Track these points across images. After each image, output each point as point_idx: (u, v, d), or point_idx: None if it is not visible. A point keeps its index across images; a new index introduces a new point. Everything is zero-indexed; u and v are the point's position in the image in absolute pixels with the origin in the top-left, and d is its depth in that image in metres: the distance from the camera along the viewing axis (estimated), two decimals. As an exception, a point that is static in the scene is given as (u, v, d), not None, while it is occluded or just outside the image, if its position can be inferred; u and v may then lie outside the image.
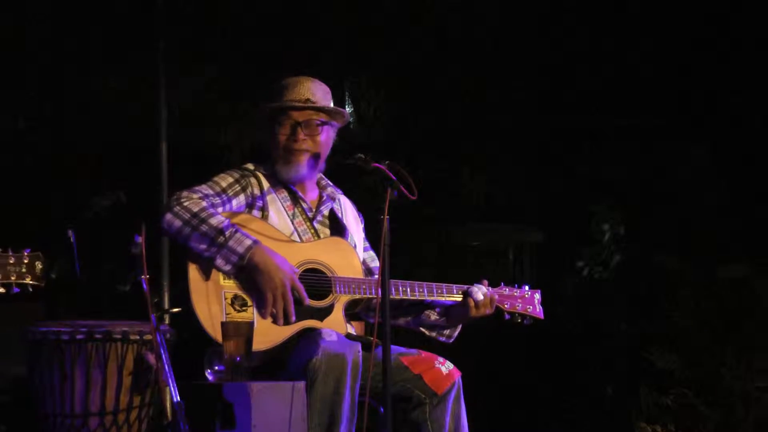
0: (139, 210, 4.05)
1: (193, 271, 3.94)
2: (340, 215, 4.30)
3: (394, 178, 3.78)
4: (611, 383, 6.99)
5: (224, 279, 3.96)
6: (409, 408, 4.11)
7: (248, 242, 3.92)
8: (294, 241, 4.13)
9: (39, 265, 3.54)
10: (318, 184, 4.31)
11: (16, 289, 3.53)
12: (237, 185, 4.12)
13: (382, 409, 3.81)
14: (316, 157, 4.17)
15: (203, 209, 3.94)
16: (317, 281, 4.08)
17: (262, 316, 3.92)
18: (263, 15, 6.87)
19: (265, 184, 4.16)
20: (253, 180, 4.16)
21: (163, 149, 6.23)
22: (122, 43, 6.50)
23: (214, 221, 3.92)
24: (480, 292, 4.21)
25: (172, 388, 3.58)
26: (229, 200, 4.09)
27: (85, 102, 6.64)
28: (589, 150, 7.40)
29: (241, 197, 4.11)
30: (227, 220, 3.95)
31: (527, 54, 7.30)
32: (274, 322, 3.93)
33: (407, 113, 7.43)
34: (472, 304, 4.20)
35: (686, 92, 7.12)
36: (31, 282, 3.53)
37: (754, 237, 6.89)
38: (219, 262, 3.91)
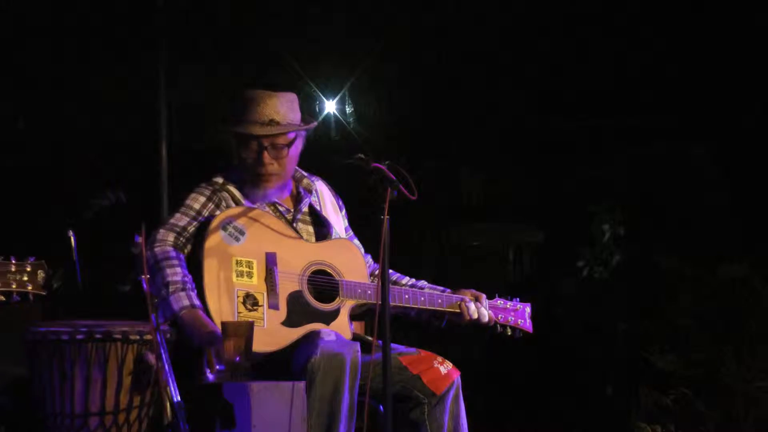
0: (139, 210, 4.05)
1: (209, 267, 3.94)
2: (318, 208, 4.28)
3: (394, 178, 3.78)
4: (611, 383, 6.99)
5: (237, 277, 3.96)
6: (408, 408, 4.11)
7: (185, 303, 3.90)
8: (302, 239, 4.13)
9: (41, 274, 3.53)
10: (293, 176, 4.29)
11: (16, 297, 3.52)
12: (210, 203, 4.11)
13: (381, 408, 3.81)
14: (285, 175, 4.15)
15: (166, 258, 3.95)
16: (325, 284, 4.08)
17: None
18: (263, 14, 6.87)
19: (240, 197, 4.15)
20: (225, 194, 4.14)
21: (163, 149, 6.24)
22: (122, 43, 6.49)
23: (168, 272, 3.92)
24: (477, 311, 4.24)
25: (172, 388, 3.58)
26: (206, 219, 4.07)
27: (85, 102, 6.64)
28: (589, 150, 7.40)
29: (217, 213, 4.09)
30: (180, 275, 3.93)
31: (527, 54, 7.29)
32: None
33: (407, 113, 7.43)
34: (467, 318, 4.23)
35: (686, 92, 7.12)
36: (32, 291, 3.52)
37: (754, 237, 6.88)
38: (160, 311, 3.90)
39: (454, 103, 7.44)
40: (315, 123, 4.23)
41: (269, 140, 4.09)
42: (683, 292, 6.87)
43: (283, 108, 4.12)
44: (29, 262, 3.53)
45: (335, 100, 7.21)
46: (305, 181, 4.29)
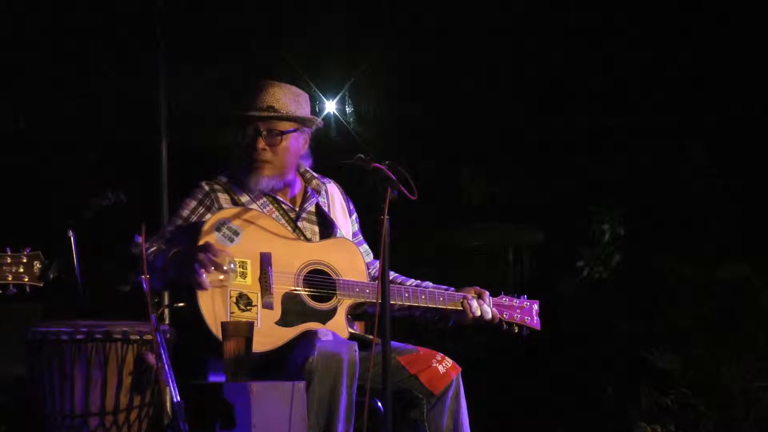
0: (139, 210, 4.05)
1: None
2: (326, 209, 4.28)
3: (394, 178, 3.78)
4: (611, 383, 6.99)
5: None
6: (407, 408, 4.11)
7: (167, 253, 3.91)
8: (300, 239, 4.13)
9: (37, 265, 3.53)
10: (303, 176, 4.29)
11: (13, 290, 3.51)
12: (201, 207, 4.11)
13: (381, 407, 3.81)
14: (280, 167, 4.15)
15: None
16: (322, 283, 4.08)
17: (205, 287, 3.87)
18: (263, 15, 6.87)
19: (242, 197, 4.14)
20: (221, 195, 4.13)
21: (163, 149, 6.24)
22: (122, 43, 6.50)
23: (147, 252, 3.91)
24: (480, 308, 4.22)
25: (172, 388, 3.58)
26: (194, 223, 4.07)
27: (85, 102, 6.64)
28: (589, 150, 7.40)
29: (208, 216, 4.08)
30: (156, 249, 3.97)
31: (527, 53, 7.29)
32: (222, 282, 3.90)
33: (407, 113, 7.43)
34: (470, 315, 4.21)
35: (686, 92, 7.12)
36: (29, 282, 3.52)
37: (754, 237, 6.89)
38: (157, 282, 3.91)
39: (454, 103, 7.44)
40: (316, 119, 4.22)
41: (265, 126, 4.10)
42: (683, 292, 6.88)
43: (285, 98, 4.13)
44: (25, 253, 3.52)
45: (335, 100, 7.21)
46: (315, 181, 4.29)
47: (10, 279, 3.49)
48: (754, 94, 7.00)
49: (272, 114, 4.10)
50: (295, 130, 4.14)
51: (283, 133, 4.11)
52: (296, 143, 4.16)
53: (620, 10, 7.08)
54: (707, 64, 7.07)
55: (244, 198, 4.15)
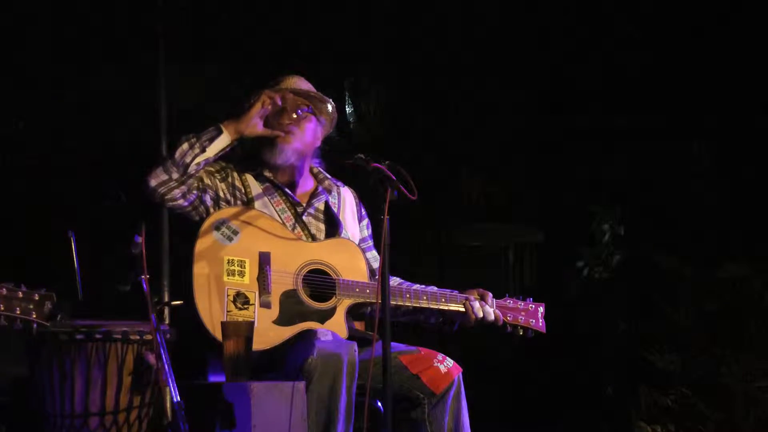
0: (139, 210, 4.06)
1: (198, 267, 3.94)
2: (335, 209, 4.29)
3: (394, 178, 3.78)
4: (611, 383, 6.99)
5: (228, 276, 3.97)
6: (408, 408, 4.11)
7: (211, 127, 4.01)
8: (301, 239, 4.14)
9: (48, 306, 3.55)
10: (316, 177, 4.30)
11: (19, 325, 3.53)
12: (217, 174, 4.12)
13: (381, 407, 3.81)
14: (302, 141, 4.16)
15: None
16: (321, 283, 4.08)
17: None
18: (263, 14, 6.87)
19: (253, 185, 4.15)
20: (235, 175, 4.15)
21: (163, 149, 6.24)
22: (122, 43, 6.49)
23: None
24: (482, 309, 4.22)
25: (172, 388, 3.58)
26: (206, 187, 4.07)
27: (85, 102, 6.63)
28: (589, 150, 7.40)
29: (223, 185, 4.10)
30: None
31: (527, 54, 7.29)
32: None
33: (407, 113, 7.43)
34: (472, 317, 4.21)
35: (686, 92, 7.12)
36: (36, 319, 3.54)
37: (754, 237, 6.88)
38: (208, 146, 3.97)
39: (454, 103, 7.44)
40: (329, 100, 4.26)
41: (289, 102, 4.14)
42: (683, 292, 6.87)
43: (304, 84, 4.23)
44: (38, 292, 3.55)
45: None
46: (327, 182, 4.31)
47: (18, 313, 3.52)
48: (754, 94, 6.99)
49: (294, 89, 4.19)
50: (315, 116, 4.18)
51: (306, 113, 4.15)
52: (315, 131, 4.20)
53: (621, 10, 7.08)
54: (708, 63, 7.06)
55: (253, 187, 4.15)
